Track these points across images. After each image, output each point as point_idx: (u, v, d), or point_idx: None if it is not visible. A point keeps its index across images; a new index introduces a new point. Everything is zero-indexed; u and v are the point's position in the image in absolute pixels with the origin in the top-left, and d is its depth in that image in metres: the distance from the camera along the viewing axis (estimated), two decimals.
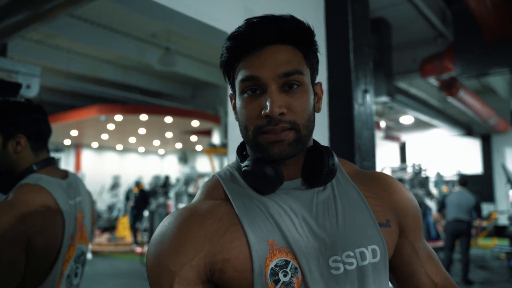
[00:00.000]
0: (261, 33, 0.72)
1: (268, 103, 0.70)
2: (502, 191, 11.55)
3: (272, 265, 0.68)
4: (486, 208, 10.91)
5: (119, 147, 15.41)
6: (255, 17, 0.74)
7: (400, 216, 0.83)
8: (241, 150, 0.85)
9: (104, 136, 12.72)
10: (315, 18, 2.52)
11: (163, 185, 9.64)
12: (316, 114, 0.80)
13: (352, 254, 0.73)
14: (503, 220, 10.48)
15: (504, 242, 8.36)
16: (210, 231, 0.70)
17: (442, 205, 6.83)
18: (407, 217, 0.84)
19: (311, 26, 0.76)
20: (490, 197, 11.60)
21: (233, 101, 0.81)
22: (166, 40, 7.31)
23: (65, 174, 1.37)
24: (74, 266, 1.31)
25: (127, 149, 15.89)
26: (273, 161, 0.74)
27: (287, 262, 0.69)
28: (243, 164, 0.77)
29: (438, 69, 7.21)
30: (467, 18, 6.01)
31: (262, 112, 0.71)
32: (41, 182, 1.24)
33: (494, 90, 10.34)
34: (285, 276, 0.68)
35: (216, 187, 0.79)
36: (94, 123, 10.20)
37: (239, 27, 0.74)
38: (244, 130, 0.75)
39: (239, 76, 0.74)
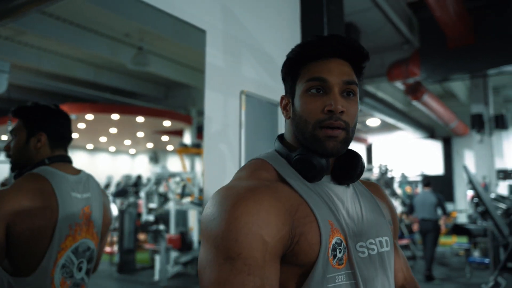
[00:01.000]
0: (331, 45, 0.83)
1: (332, 102, 0.80)
2: (461, 191, 12.08)
3: (333, 241, 0.77)
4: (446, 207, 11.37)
5: (90, 146, 15.18)
6: (328, 35, 0.86)
7: (392, 220, 0.99)
8: (281, 141, 0.94)
9: (74, 135, 12.51)
10: (291, 18, 2.60)
11: (134, 185, 9.61)
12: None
13: (373, 242, 0.85)
14: (462, 219, 10.96)
15: (463, 240, 8.77)
16: (288, 207, 0.76)
17: (410, 208, 7.17)
18: (395, 221, 1.00)
19: (368, 52, 0.88)
20: (450, 196, 12.12)
21: (285, 101, 0.91)
22: (139, 40, 7.33)
23: (77, 171, 1.47)
24: (73, 258, 1.34)
25: (98, 148, 15.67)
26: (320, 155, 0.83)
27: (341, 241, 0.79)
28: (295, 153, 0.84)
29: (404, 73, 7.52)
30: (432, 26, 6.29)
31: (326, 108, 0.81)
32: (44, 172, 1.33)
33: (455, 95, 10.82)
34: (340, 252, 0.78)
35: (265, 168, 0.84)
36: None
37: (309, 40, 0.86)
38: (303, 123, 0.83)
39: (306, 77, 0.84)
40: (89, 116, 9.45)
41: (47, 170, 1.35)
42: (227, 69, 2.05)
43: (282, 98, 0.92)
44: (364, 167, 0.89)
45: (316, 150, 0.83)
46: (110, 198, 10.82)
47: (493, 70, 6.38)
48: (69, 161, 1.48)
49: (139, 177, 10.24)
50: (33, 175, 1.31)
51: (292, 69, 0.88)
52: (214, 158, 1.94)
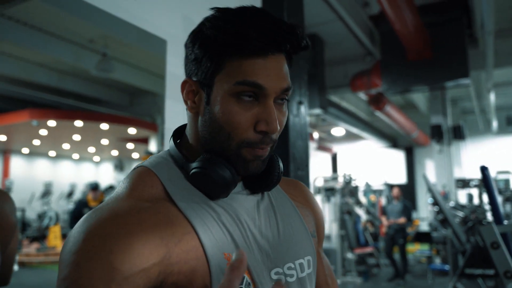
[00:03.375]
0: (274, 39, 0.64)
1: (269, 118, 0.65)
2: (423, 199, 12.44)
3: None
4: None
5: (52, 153, 14.75)
6: (259, 14, 0.65)
7: (318, 227, 0.85)
8: (176, 139, 0.77)
9: (36, 142, 12.16)
10: None
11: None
12: None
13: (292, 266, 0.71)
14: (423, 227, 11.29)
15: (425, 247, 9.04)
16: (165, 236, 0.60)
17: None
18: (320, 227, 0.86)
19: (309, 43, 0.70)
20: (412, 205, 12.46)
21: (190, 88, 0.71)
22: (103, 46, 7.24)
23: None
24: None
25: (61, 155, 15.24)
26: (226, 160, 0.68)
27: (242, 277, 0.61)
28: (192, 165, 0.68)
29: (366, 84, 7.72)
30: (393, 39, 6.48)
31: (259, 127, 0.65)
32: None
33: (416, 106, 11.18)
34: None
35: (151, 181, 0.67)
36: (25, 128, 9.75)
37: (242, 21, 0.64)
38: (224, 137, 0.66)
39: (235, 76, 0.64)
40: (52, 123, 9.22)
41: None
42: None
43: (185, 82, 0.71)
44: (282, 171, 0.75)
45: (235, 167, 0.67)
46: (72, 206, 10.57)
47: (450, 82, 6.63)
48: None
49: (111, 187, 10.04)
50: None
51: (214, 54, 0.66)
52: None
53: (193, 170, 0.67)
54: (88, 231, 0.57)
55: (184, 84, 0.71)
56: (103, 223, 0.57)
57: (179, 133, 0.78)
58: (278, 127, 0.66)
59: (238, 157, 0.67)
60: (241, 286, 0.63)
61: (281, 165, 0.75)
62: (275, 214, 0.75)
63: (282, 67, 0.67)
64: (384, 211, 7.73)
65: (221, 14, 0.67)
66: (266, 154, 0.68)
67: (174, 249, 0.60)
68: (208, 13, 0.70)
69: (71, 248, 0.56)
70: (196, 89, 0.70)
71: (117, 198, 0.64)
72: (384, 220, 7.68)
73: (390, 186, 10.45)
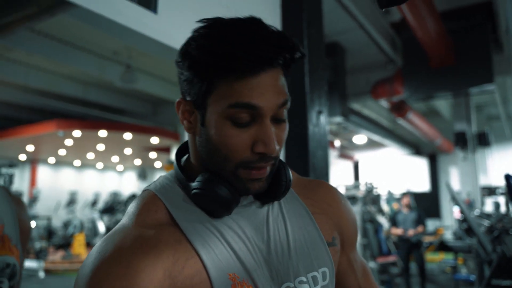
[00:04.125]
0: (266, 54, 0.61)
1: (266, 139, 0.63)
2: (447, 207, 12.20)
3: None
4: (433, 224, 11.47)
5: (77, 163, 15.09)
6: (248, 28, 0.62)
7: (342, 230, 0.80)
8: (180, 156, 0.77)
9: (62, 152, 12.47)
10: None
11: (126, 202, 9.56)
12: None
13: (304, 279, 0.68)
14: (448, 235, 11.05)
15: (450, 256, 8.84)
16: (168, 266, 0.60)
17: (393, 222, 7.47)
18: (348, 231, 0.81)
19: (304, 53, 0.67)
20: (436, 213, 12.23)
21: (185, 108, 0.69)
22: (127, 57, 7.40)
23: None
24: None
25: (85, 165, 15.58)
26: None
27: None
28: (192, 185, 0.67)
29: (388, 92, 7.66)
30: (415, 46, 6.42)
31: (256, 148, 0.63)
32: None
33: (439, 113, 11.00)
34: None
35: (155, 206, 0.67)
36: (52, 138, 10.03)
37: (229, 39, 0.60)
38: (221, 159, 0.65)
39: (229, 98, 0.62)
40: (77, 133, 9.44)
41: None
42: None
43: (179, 103, 0.69)
44: (290, 179, 0.72)
45: (235, 187, 0.66)
46: (96, 215, 10.77)
47: (474, 89, 6.52)
48: None
49: (134, 196, 10.20)
50: None
51: (203, 76, 0.63)
52: None
53: (194, 191, 0.66)
54: (96, 268, 0.58)
55: (179, 104, 0.69)
56: (109, 262, 0.58)
57: (183, 150, 0.77)
58: (277, 147, 0.64)
59: (236, 178, 0.65)
60: None
61: (289, 173, 0.72)
62: (285, 225, 0.72)
63: (277, 81, 0.63)
64: (394, 221, 7.49)
65: (206, 31, 0.63)
66: (266, 174, 0.66)
67: (178, 277, 0.60)
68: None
69: (80, 282, 0.58)
70: (191, 109, 0.68)
71: (124, 226, 0.65)
72: (396, 230, 7.47)
73: (402, 195, 10.34)
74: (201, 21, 0.65)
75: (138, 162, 14.86)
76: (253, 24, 0.62)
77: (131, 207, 0.69)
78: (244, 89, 0.61)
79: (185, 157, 0.76)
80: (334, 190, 0.83)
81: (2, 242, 1.26)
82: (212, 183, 0.65)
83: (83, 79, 8.85)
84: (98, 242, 0.63)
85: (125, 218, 0.67)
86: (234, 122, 0.63)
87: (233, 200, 0.65)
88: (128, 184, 16.43)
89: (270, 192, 0.70)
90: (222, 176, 0.66)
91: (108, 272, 0.57)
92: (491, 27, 6.40)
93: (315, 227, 0.75)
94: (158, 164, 14.82)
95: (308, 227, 0.74)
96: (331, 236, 0.77)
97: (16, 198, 1.40)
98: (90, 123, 9.45)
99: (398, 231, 7.26)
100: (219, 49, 0.60)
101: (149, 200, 0.68)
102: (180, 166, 0.73)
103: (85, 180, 15.64)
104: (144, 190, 0.72)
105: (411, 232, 7.07)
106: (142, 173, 15.33)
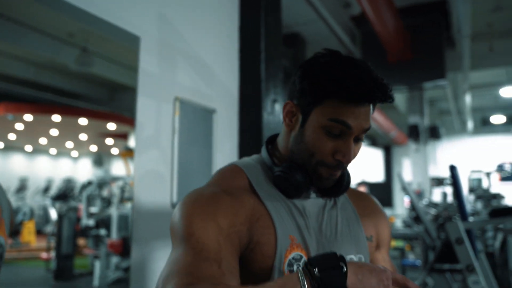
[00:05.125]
0: (370, 94, 0.77)
1: (346, 152, 0.81)
2: (399, 197, 12.67)
3: (290, 257, 0.79)
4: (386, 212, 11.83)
5: (29, 148, 14.49)
6: (360, 66, 0.79)
7: (379, 233, 0.99)
8: (268, 145, 0.95)
9: (12, 136, 11.93)
10: (229, 28, 2.64)
11: (81, 189, 9.29)
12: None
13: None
14: (398, 224, 11.48)
15: (399, 243, 9.20)
16: (249, 213, 0.79)
17: None
18: (384, 234, 1.00)
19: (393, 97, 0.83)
20: (389, 202, 12.65)
21: (291, 109, 0.86)
22: (83, 40, 7.13)
23: None
24: None
25: (38, 150, 14.98)
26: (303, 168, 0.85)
27: (301, 257, 0.80)
28: (276, 168, 0.87)
29: None
30: (374, 40, 6.55)
31: (336, 155, 0.81)
32: None
33: (395, 106, 11.34)
34: (298, 268, 0.78)
35: (238, 176, 0.87)
36: (0, 122, 9.57)
37: (346, 71, 0.78)
38: (308, 154, 0.83)
39: (330, 113, 0.79)
40: (28, 117, 9.05)
41: None
42: (161, 76, 2.07)
43: (288, 104, 0.88)
44: (350, 181, 0.92)
45: (310, 179, 0.85)
46: (48, 201, 10.42)
47: (428, 83, 6.76)
48: None
49: (89, 183, 9.93)
50: None
51: (318, 93, 0.81)
52: (146, 164, 1.96)
53: (277, 173, 0.85)
54: (194, 205, 0.77)
55: (286, 105, 0.88)
56: (204, 198, 0.78)
57: (271, 140, 0.96)
58: (352, 158, 0.82)
59: (314, 172, 0.84)
60: (299, 263, 0.79)
61: (349, 179, 0.93)
62: (337, 215, 0.91)
63: (368, 112, 0.82)
64: None
65: (328, 59, 0.82)
66: (337, 176, 0.85)
67: (255, 224, 0.79)
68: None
69: (180, 218, 0.76)
70: (295, 111, 0.86)
71: (209, 184, 0.85)
72: None
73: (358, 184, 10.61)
74: (324, 50, 0.86)
75: (94, 148, 14.44)
76: (364, 64, 0.81)
77: (216, 175, 0.89)
78: (345, 111, 0.79)
79: (273, 146, 0.95)
80: (376, 201, 1.05)
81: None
82: (294, 170, 0.84)
83: (35, 61, 8.48)
84: (185, 198, 0.82)
85: (209, 183, 0.86)
86: (328, 131, 0.81)
87: (304, 186, 0.84)
88: (83, 170, 15.96)
89: (331, 189, 0.90)
90: (304, 167, 0.85)
91: (209, 202, 0.78)
92: (445, 25, 6.64)
93: (359, 223, 0.94)
94: (115, 151, 14.48)
95: (353, 222, 0.93)
96: (370, 234, 0.97)
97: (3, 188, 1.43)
98: (42, 107, 9.08)
99: None
100: (337, 76, 0.79)
101: (235, 170, 0.88)
102: (269, 152, 0.93)
103: (37, 166, 15.07)
104: (230, 165, 0.91)
105: None
106: (98, 160, 14.94)
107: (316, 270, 0.65)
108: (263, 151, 0.94)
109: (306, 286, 0.64)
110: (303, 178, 0.84)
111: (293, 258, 0.79)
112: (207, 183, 0.86)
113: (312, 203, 0.89)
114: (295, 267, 0.79)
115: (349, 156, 0.81)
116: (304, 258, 0.80)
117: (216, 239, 0.73)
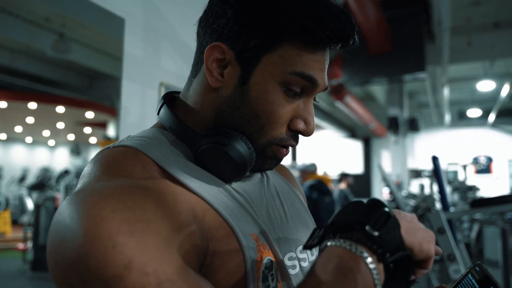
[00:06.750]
0: (345, 36, 0.55)
1: (309, 118, 0.58)
2: (378, 188, 12.86)
3: (262, 267, 0.52)
4: None
5: (3, 136, 14.12)
6: (337, 9, 0.55)
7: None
8: (175, 108, 0.63)
9: None
10: None
11: (58, 178, 9.13)
12: None
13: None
14: None
15: None
16: (187, 209, 0.50)
17: None
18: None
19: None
20: (368, 194, 12.83)
21: (219, 55, 0.57)
22: (60, 26, 6.96)
23: None
24: None
25: (12, 138, 14.61)
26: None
27: (271, 262, 0.54)
28: (203, 140, 0.56)
29: (328, 74, 7.83)
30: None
31: (297, 125, 0.57)
32: None
33: (375, 98, 11.47)
34: (272, 280, 0.53)
35: (141, 161, 0.53)
36: None
37: (322, 2, 0.54)
38: (256, 127, 0.56)
39: (293, 65, 0.54)
40: (3, 104, 8.82)
41: None
42: (146, 60, 2.03)
43: (215, 48, 0.57)
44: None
45: (253, 164, 0.58)
46: (25, 191, 10.21)
47: (407, 76, 6.84)
48: None
49: (66, 171, 9.75)
50: None
51: (273, 30, 0.54)
52: None
53: (205, 146, 0.55)
54: (99, 208, 0.43)
55: (212, 49, 0.56)
56: (119, 197, 0.44)
57: (171, 100, 0.65)
58: (314, 129, 0.58)
59: (261, 153, 0.58)
60: (272, 272, 0.53)
61: None
62: (278, 195, 0.67)
63: (327, 62, 0.59)
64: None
65: None
66: (284, 156, 0.60)
67: (203, 223, 0.50)
68: None
69: (90, 238, 0.41)
70: (229, 59, 0.56)
71: (96, 179, 0.50)
72: None
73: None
74: None
75: (71, 137, 14.17)
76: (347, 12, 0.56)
77: (101, 164, 0.53)
78: (311, 61, 0.55)
79: (176, 110, 0.63)
80: (289, 171, 0.82)
81: None
82: (234, 139, 0.55)
83: (10, 46, 8.23)
84: (63, 205, 0.47)
85: (97, 177, 0.51)
86: (288, 90, 0.55)
87: (250, 163, 0.56)
88: (60, 160, 15.66)
89: None
90: (243, 133, 0.57)
91: (115, 208, 0.43)
92: (425, 18, 6.72)
93: (299, 199, 0.73)
94: (93, 140, 14.24)
95: (295, 198, 0.71)
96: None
97: None
98: (17, 94, 8.84)
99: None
100: (310, 7, 0.53)
101: (130, 154, 0.53)
102: (177, 114, 0.61)
103: (12, 154, 14.71)
104: (113, 147, 0.56)
105: None
106: (76, 149, 14.68)
107: (388, 255, 0.44)
108: (167, 116, 0.60)
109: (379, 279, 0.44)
110: (247, 152, 0.55)
111: (265, 268, 0.52)
112: (91, 179, 0.51)
113: (251, 183, 0.62)
114: (269, 281, 0.52)
115: (312, 123, 0.58)
116: (274, 264, 0.54)
117: (170, 257, 0.42)
